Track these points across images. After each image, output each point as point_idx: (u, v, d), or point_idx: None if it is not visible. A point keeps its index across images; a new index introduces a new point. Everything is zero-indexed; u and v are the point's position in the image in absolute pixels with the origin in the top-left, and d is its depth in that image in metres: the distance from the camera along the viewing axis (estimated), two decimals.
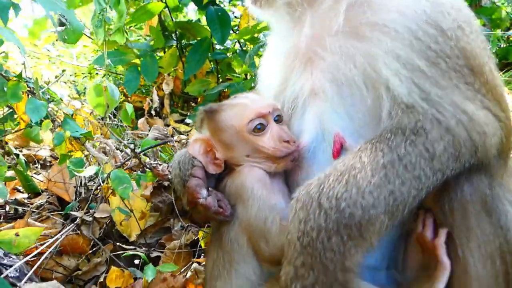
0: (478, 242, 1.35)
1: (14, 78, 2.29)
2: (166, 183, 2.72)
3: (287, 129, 1.67)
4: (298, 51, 1.66)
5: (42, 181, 3.29)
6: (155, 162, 2.34)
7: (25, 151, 4.08)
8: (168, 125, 4.94)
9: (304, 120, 1.67)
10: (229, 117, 1.64)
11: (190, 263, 2.23)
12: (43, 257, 1.98)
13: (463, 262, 1.36)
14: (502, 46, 6.41)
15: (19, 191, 3.41)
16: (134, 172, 2.46)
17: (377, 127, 1.49)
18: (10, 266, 1.87)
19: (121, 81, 5.63)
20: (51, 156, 4.18)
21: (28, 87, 2.35)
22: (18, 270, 1.88)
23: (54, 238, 2.09)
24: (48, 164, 4.15)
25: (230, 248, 1.60)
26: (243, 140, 1.62)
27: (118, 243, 2.44)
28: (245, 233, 1.57)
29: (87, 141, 2.21)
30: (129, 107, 2.57)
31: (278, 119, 1.66)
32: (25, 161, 3.06)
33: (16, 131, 3.17)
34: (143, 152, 2.30)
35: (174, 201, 2.53)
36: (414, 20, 1.43)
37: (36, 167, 3.93)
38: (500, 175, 1.50)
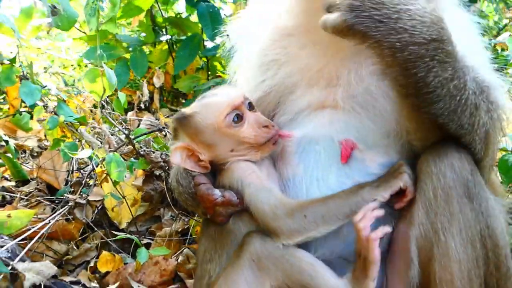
0: (459, 226, 1.42)
1: (7, 62, 2.31)
2: (158, 172, 2.75)
3: (261, 114, 1.71)
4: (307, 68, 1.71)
5: (31, 169, 3.28)
6: (148, 150, 2.36)
7: (12, 141, 4.05)
8: (158, 120, 4.96)
9: (304, 120, 1.73)
10: (204, 117, 1.64)
11: (182, 249, 2.26)
12: (35, 238, 1.99)
13: (445, 246, 1.42)
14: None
15: (6, 179, 3.39)
16: (127, 160, 2.48)
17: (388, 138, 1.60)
18: (2, 246, 1.88)
19: None
20: (38, 146, 4.16)
21: (21, 71, 2.36)
22: (10, 251, 1.90)
23: (46, 220, 2.10)
24: (35, 154, 4.12)
25: (224, 234, 1.64)
26: (224, 136, 1.64)
27: (109, 230, 2.46)
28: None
29: (80, 126, 2.22)
30: (121, 96, 2.60)
31: (251, 107, 1.70)
32: (14, 147, 3.05)
33: (5, 116, 3.15)
34: (136, 140, 2.32)
35: (165, 190, 2.56)
36: None
37: (23, 157, 3.91)
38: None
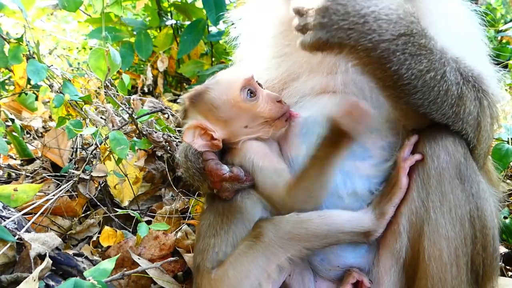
0: (450, 206, 1.48)
1: (15, 41, 2.35)
2: (159, 153, 2.82)
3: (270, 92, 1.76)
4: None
5: (35, 148, 3.35)
6: (151, 129, 2.42)
7: (18, 121, 4.11)
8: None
9: (307, 103, 1.78)
10: (220, 93, 1.68)
11: (181, 226, 2.33)
12: (40, 211, 2.06)
13: (435, 223, 1.49)
14: (495, 46, 6.59)
15: (12, 157, 3.46)
16: (130, 140, 2.53)
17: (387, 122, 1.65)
18: (8, 218, 1.95)
19: None
20: (43, 127, 4.22)
21: (28, 50, 2.40)
22: (16, 223, 1.96)
23: (51, 194, 2.17)
24: (39, 135, 4.19)
25: (231, 211, 1.71)
26: (240, 111, 1.68)
27: (111, 208, 2.53)
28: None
29: (85, 105, 2.27)
30: (125, 78, 2.65)
31: (260, 85, 1.74)
32: (20, 126, 3.11)
33: (12, 95, 3.20)
34: (139, 120, 2.38)
35: (167, 170, 2.62)
36: None
37: (29, 137, 3.98)
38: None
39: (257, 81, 1.73)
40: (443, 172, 1.49)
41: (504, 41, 6.83)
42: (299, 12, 1.39)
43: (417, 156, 1.56)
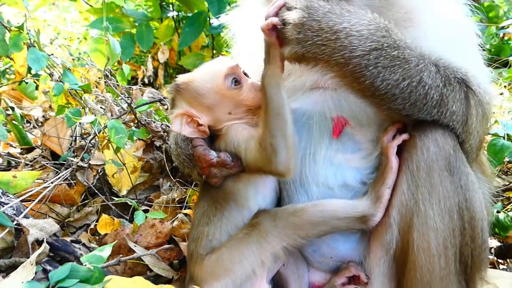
0: (439, 197, 1.51)
1: (15, 29, 2.37)
2: (158, 143, 2.84)
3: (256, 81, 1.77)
4: None
5: (35, 137, 3.38)
6: (149, 119, 2.44)
7: (18, 110, 4.14)
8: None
9: (299, 98, 1.80)
10: (204, 81, 1.71)
11: (178, 215, 2.36)
12: (39, 197, 2.09)
13: (424, 215, 1.51)
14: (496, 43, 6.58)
15: (12, 146, 3.49)
16: (129, 129, 2.56)
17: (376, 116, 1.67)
18: (7, 204, 1.98)
19: None
20: (43, 116, 4.25)
21: (28, 39, 2.42)
22: (15, 209, 1.99)
23: (49, 181, 2.20)
24: (40, 124, 4.22)
25: (224, 197, 1.74)
26: (223, 98, 1.71)
27: (109, 196, 2.56)
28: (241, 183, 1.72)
29: (84, 94, 2.30)
30: (125, 68, 2.67)
31: (246, 74, 1.77)
32: (20, 115, 3.14)
33: (12, 83, 3.22)
34: (138, 109, 2.40)
35: (165, 160, 2.65)
36: None
37: (28, 126, 4.00)
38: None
39: (243, 71, 1.75)
40: (432, 164, 1.51)
41: (506, 38, 6.83)
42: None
43: (404, 136, 1.60)
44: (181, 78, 1.77)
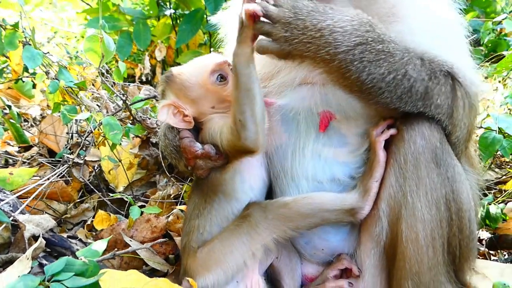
0: (426, 189, 1.53)
1: (11, 27, 2.39)
2: (154, 140, 2.87)
3: None
4: None
5: (32, 135, 3.40)
6: (144, 116, 2.47)
7: (15, 108, 4.16)
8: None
9: (288, 94, 1.82)
10: (191, 75, 1.77)
11: (173, 210, 2.39)
12: (35, 194, 2.11)
13: (412, 207, 1.54)
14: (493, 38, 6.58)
15: (9, 144, 3.52)
16: (124, 126, 2.58)
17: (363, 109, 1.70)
18: (3, 200, 2.01)
19: None
20: (40, 115, 4.27)
21: (23, 37, 2.44)
22: (11, 205, 2.02)
23: (45, 177, 2.23)
24: (37, 123, 4.24)
25: (213, 190, 1.78)
26: (208, 92, 1.76)
27: (106, 193, 2.59)
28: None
29: (80, 91, 2.32)
30: (122, 66, 2.69)
31: None
32: (17, 113, 3.16)
33: (9, 81, 3.25)
34: (133, 106, 2.42)
35: (161, 157, 2.67)
36: None
37: (26, 124, 4.03)
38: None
39: (231, 68, 1.78)
40: (419, 157, 1.54)
41: (502, 33, 6.83)
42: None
43: (392, 131, 1.62)
44: (171, 71, 1.82)
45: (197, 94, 1.77)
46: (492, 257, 2.27)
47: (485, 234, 2.36)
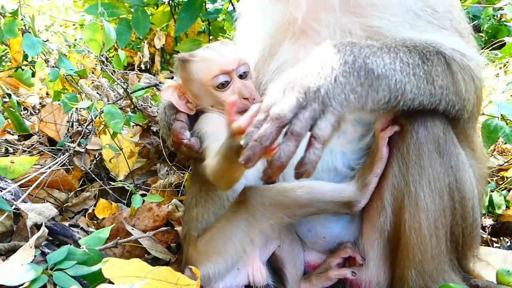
0: (429, 179, 1.52)
1: (10, 15, 2.36)
2: (155, 129, 2.86)
3: (251, 85, 1.76)
4: (291, 22, 1.75)
5: (32, 124, 3.38)
6: (146, 104, 2.45)
7: (14, 97, 4.13)
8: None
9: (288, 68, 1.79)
10: (197, 70, 1.72)
11: (174, 199, 2.39)
12: (36, 182, 2.11)
13: (415, 197, 1.53)
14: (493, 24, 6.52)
15: (9, 133, 3.51)
16: (125, 114, 2.57)
17: None
18: (5, 189, 2.00)
19: None
20: (40, 104, 4.25)
21: (23, 25, 2.42)
22: (13, 194, 2.01)
23: (47, 166, 2.22)
24: (37, 112, 4.22)
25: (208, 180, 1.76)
26: (208, 93, 1.73)
27: (107, 181, 2.58)
28: None
29: (80, 79, 2.30)
30: (121, 54, 2.66)
31: (243, 75, 1.75)
32: (17, 102, 3.14)
33: (8, 69, 3.22)
34: (134, 95, 2.41)
35: (162, 145, 2.66)
36: None
37: (26, 113, 4.01)
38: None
39: (243, 69, 1.73)
40: (421, 147, 1.52)
41: (503, 19, 6.76)
42: None
43: (396, 128, 1.59)
44: (187, 54, 1.77)
45: (198, 91, 1.75)
46: (495, 244, 2.28)
47: (488, 221, 2.36)
